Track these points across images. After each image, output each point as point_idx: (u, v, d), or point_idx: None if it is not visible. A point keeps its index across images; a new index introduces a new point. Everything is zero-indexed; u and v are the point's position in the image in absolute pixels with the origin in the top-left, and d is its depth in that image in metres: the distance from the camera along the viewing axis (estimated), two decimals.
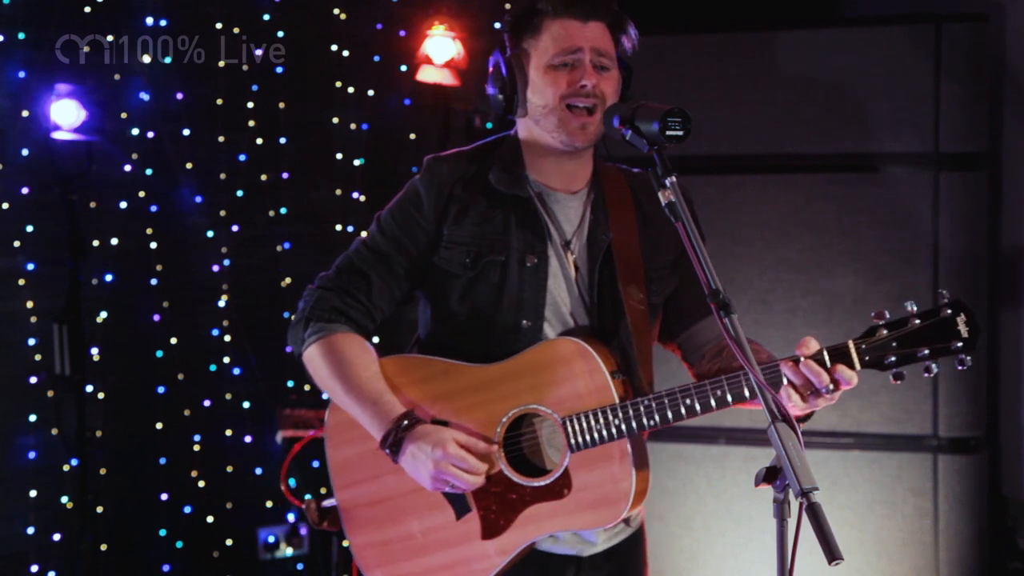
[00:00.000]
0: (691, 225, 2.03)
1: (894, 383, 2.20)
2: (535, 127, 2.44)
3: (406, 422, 2.37)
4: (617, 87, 2.43)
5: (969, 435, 4.08)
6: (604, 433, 2.33)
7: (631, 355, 2.43)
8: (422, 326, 2.58)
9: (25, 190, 4.38)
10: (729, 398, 2.27)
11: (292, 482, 4.83)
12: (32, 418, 4.38)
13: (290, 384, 4.89)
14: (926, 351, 2.18)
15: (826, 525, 1.76)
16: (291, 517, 4.87)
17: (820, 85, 4.11)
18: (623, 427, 2.33)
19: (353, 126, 5.02)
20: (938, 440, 4.06)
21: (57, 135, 4.18)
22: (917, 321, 2.18)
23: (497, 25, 5.13)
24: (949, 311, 2.18)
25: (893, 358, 2.19)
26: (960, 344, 2.17)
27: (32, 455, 4.38)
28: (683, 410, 2.29)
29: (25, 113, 4.33)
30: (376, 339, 2.60)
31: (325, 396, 2.55)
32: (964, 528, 4.07)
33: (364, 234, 2.56)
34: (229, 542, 4.80)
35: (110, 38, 4.49)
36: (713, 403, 2.27)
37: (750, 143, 4.20)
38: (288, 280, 4.89)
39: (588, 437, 2.34)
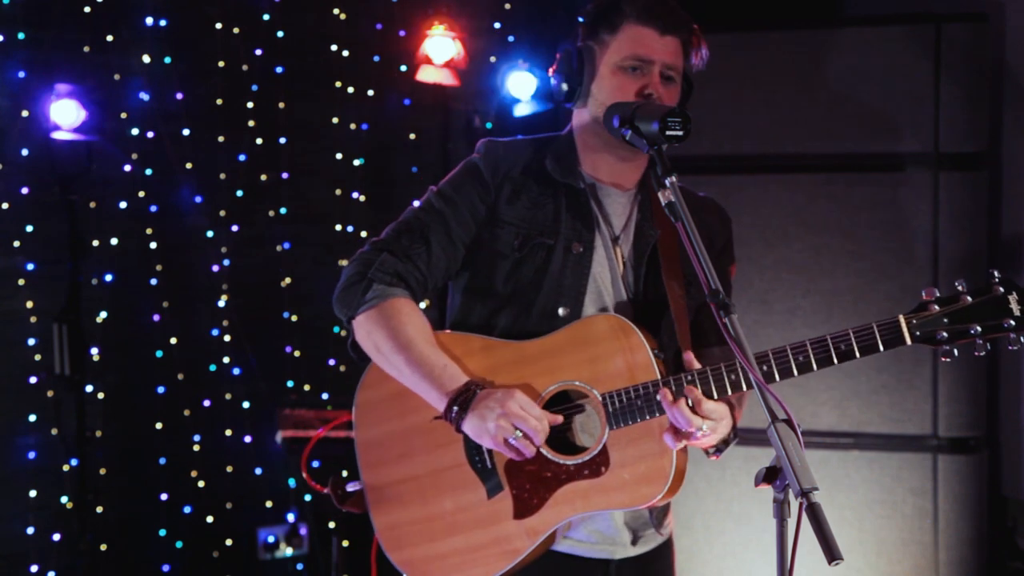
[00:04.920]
0: (691, 225, 2.03)
1: (943, 360, 2.22)
2: (591, 120, 2.46)
3: (475, 385, 2.35)
4: (676, 100, 2.46)
5: (969, 435, 4.07)
6: (646, 410, 2.31)
7: (673, 340, 2.42)
8: (451, 306, 2.56)
9: (25, 190, 4.38)
10: (776, 374, 2.25)
11: (291, 482, 4.83)
12: (32, 418, 4.38)
13: (290, 384, 4.89)
14: (978, 328, 2.19)
15: (826, 525, 1.76)
16: (291, 517, 4.87)
17: (820, 85, 4.11)
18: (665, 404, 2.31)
19: (353, 126, 5.03)
20: (938, 440, 4.06)
21: (57, 135, 4.18)
22: (968, 298, 2.20)
23: (507, 8, 5.14)
24: (1001, 289, 2.19)
25: (944, 334, 2.20)
26: (1012, 322, 2.18)
27: (32, 455, 4.38)
28: (728, 386, 2.28)
29: (25, 113, 4.33)
30: None
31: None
32: (964, 528, 4.07)
33: (416, 203, 2.54)
34: (229, 542, 4.80)
35: (110, 38, 4.49)
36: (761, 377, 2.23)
37: (750, 143, 4.20)
38: (288, 280, 4.89)
39: (628, 414, 2.31)
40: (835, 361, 2.24)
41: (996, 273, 2.20)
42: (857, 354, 2.23)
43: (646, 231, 2.48)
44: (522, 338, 2.42)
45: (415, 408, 2.44)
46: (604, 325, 2.37)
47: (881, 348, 2.23)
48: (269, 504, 4.84)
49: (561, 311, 2.42)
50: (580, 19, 2.50)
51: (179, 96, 4.65)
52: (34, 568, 4.40)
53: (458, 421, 2.33)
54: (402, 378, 2.42)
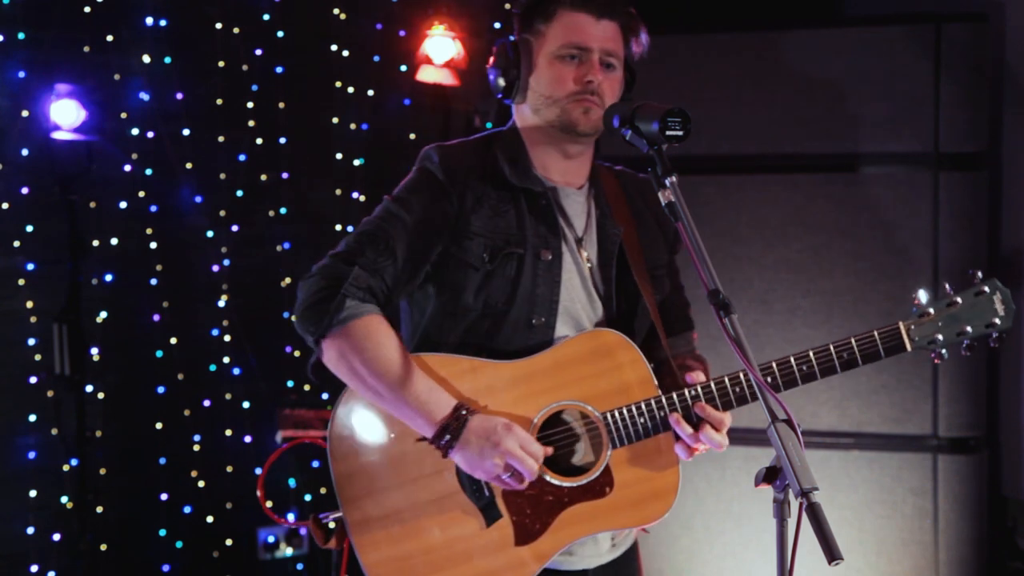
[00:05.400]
0: (691, 225, 2.01)
1: (936, 362, 2.32)
2: (532, 116, 2.41)
3: (464, 412, 2.25)
4: (619, 88, 2.41)
5: (969, 435, 4.08)
6: (649, 426, 2.27)
7: (658, 344, 2.38)
8: (415, 325, 2.43)
9: (25, 190, 4.38)
10: (781, 385, 2.27)
11: (291, 482, 4.83)
12: (32, 418, 4.38)
13: (290, 384, 4.89)
14: (968, 329, 2.29)
15: (826, 525, 1.75)
16: (291, 517, 4.86)
17: (820, 85, 4.11)
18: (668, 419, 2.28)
19: (353, 126, 5.02)
20: (938, 440, 4.06)
21: (57, 135, 4.18)
22: (958, 300, 2.29)
23: (507, 8, 5.14)
24: (986, 289, 2.28)
25: (940, 337, 2.29)
26: (998, 321, 2.28)
27: (32, 455, 4.38)
28: (732, 398, 2.27)
29: (25, 113, 4.33)
30: None
31: (324, 394, 2.48)
32: (964, 528, 4.07)
33: (376, 211, 2.39)
34: (229, 542, 4.80)
35: (110, 38, 4.49)
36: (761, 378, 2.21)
37: (750, 143, 4.20)
38: (288, 280, 4.89)
39: (631, 432, 2.27)
40: (838, 370, 2.28)
41: (979, 273, 2.30)
42: (860, 362, 2.29)
43: (609, 230, 2.42)
44: (497, 353, 2.33)
45: (398, 436, 2.32)
46: (595, 342, 2.32)
47: (883, 355, 2.31)
48: (269, 504, 4.84)
49: (534, 321, 2.35)
50: (514, 11, 2.44)
51: (179, 96, 4.65)
52: (34, 568, 4.40)
53: (447, 449, 2.25)
54: (382, 403, 2.29)
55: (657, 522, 2.32)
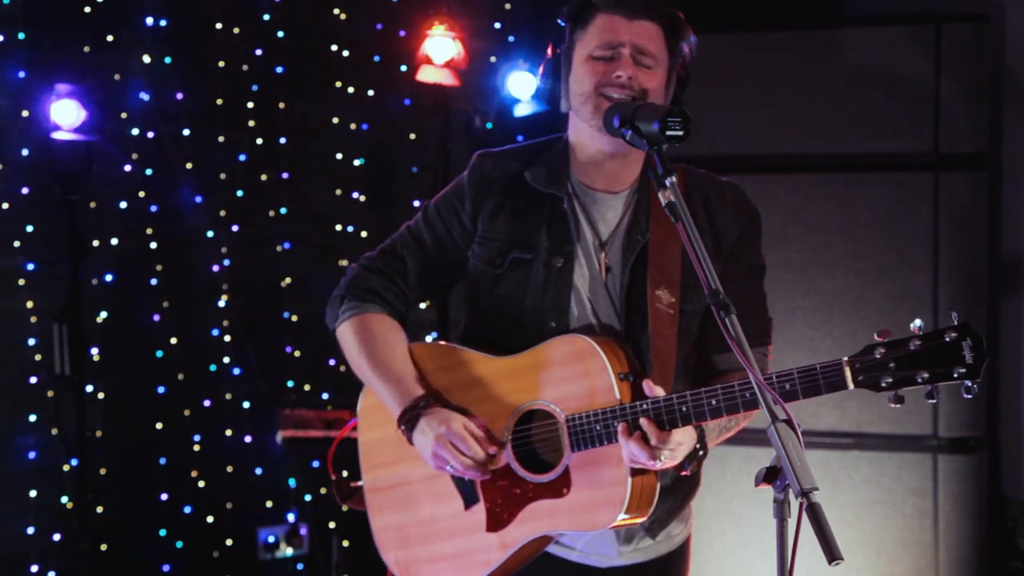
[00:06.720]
0: (691, 225, 2.01)
1: (892, 407, 2.11)
2: (576, 120, 2.42)
3: (423, 403, 2.40)
4: (661, 86, 2.39)
5: (969, 435, 4.07)
6: (603, 434, 2.28)
7: (647, 359, 2.37)
8: (464, 316, 2.63)
9: (25, 190, 4.38)
10: (723, 409, 2.19)
11: (291, 482, 4.83)
12: (32, 418, 4.38)
13: (290, 384, 4.89)
14: (925, 375, 2.09)
15: (826, 525, 1.75)
16: (291, 517, 4.87)
17: (820, 85, 4.11)
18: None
19: (353, 126, 5.02)
20: (938, 440, 4.06)
21: (57, 135, 4.18)
22: (918, 343, 2.06)
23: (507, 8, 5.15)
24: (954, 334, 2.04)
25: (889, 379, 2.10)
26: (963, 371, 2.06)
27: (32, 455, 4.38)
28: (678, 418, 2.22)
29: (25, 113, 4.33)
30: None
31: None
32: (964, 528, 4.07)
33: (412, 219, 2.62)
34: (229, 542, 4.80)
35: (110, 38, 4.49)
36: (707, 413, 2.20)
37: (750, 143, 4.20)
38: (288, 280, 4.89)
39: (587, 437, 2.29)
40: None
41: (954, 316, 2.08)
42: (800, 396, 2.14)
43: (635, 235, 2.42)
44: (515, 352, 2.41)
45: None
46: (569, 347, 2.34)
47: (823, 391, 2.13)
48: (269, 504, 4.84)
49: (551, 325, 2.40)
50: (559, 22, 2.47)
51: (179, 96, 4.65)
52: (34, 568, 4.40)
53: (407, 437, 2.41)
54: (370, 387, 2.52)
55: (607, 528, 2.31)
